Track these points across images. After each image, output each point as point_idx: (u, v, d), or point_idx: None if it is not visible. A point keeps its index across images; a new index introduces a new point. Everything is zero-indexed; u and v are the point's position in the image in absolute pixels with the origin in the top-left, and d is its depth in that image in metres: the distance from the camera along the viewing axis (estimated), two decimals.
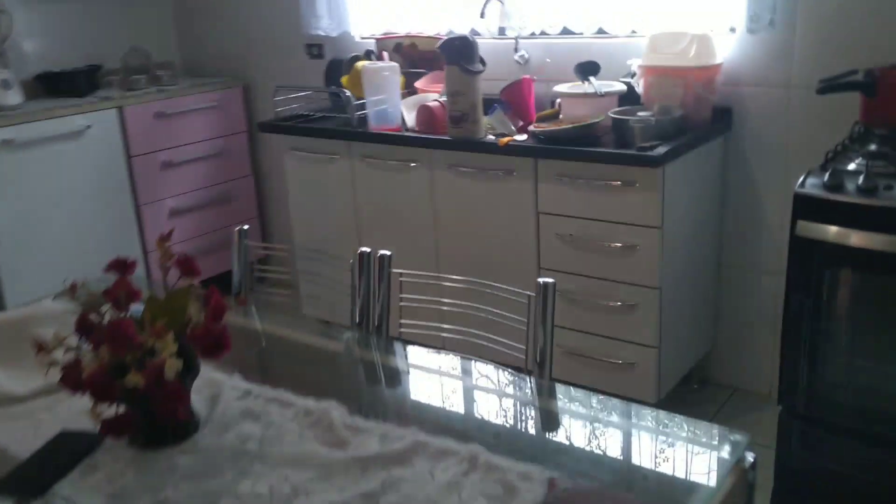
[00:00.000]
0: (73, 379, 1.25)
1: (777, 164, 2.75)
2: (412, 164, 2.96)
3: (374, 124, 3.06)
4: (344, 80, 3.30)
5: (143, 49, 3.99)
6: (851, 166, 2.17)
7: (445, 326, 1.74)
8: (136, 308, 1.33)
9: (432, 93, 3.19)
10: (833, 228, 2.08)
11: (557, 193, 2.63)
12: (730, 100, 2.75)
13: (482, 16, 3.07)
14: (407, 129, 3.02)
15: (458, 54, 2.73)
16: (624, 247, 2.55)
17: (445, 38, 2.82)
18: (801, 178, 2.14)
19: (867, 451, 2.17)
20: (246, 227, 2.03)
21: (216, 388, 1.50)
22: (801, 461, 2.27)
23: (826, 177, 2.10)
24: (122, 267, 1.31)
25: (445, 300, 1.72)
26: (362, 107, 3.12)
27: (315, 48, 3.82)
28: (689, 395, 2.96)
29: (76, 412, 1.36)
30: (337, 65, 3.42)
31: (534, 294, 1.58)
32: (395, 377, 1.63)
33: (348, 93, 3.14)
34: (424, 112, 2.98)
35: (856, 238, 2.05)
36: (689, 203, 2.66)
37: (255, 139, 4.16)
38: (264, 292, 2.04)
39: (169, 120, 3.75)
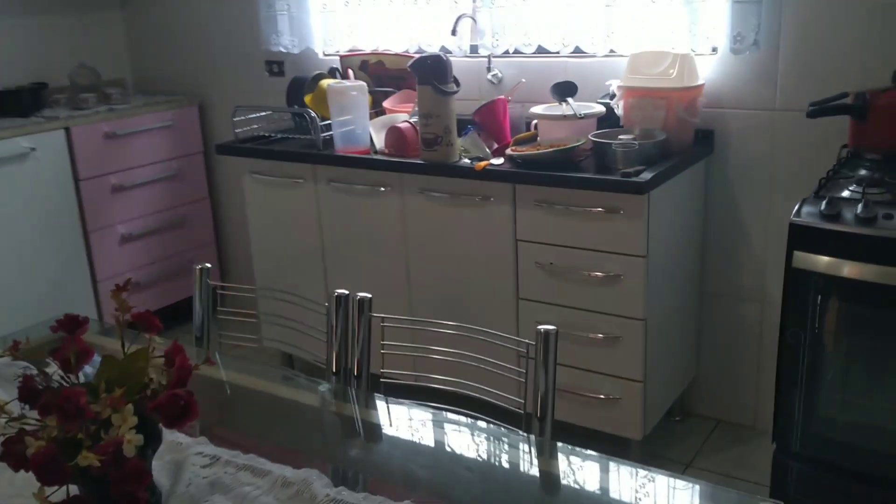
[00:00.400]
0: (15, 455, 1.07)
1: (760, 189, 2.66)
2: (381, 189, 2.81)
3: (341, 146, 2.91)
4: (307, 98, 3.15)
5: (92, 66, 3.78)
6: (846, 193, 2.09)
7: (434, 376, 1.59)
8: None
9: (402, 113, 3.05)
10: (831, 260, 1.99)
11: (537, 220, 2.51)
12: (712, 122, 2.67)
13: (454, 33, 2.95)
14: (376, 152, 2.88)
15: (430, 74, 2.60)
16: (607, 276, 2.43)
17: (417, 56, 2.68)
18: (797, 207, 2.05)
19: (864, 492, 2.07)
20: (208, 265, 1.85)
21: (179, 453, 1.33)
22: (797, 503, 2.17)
23: (823, 205, 2.01)
24: (72, 326, 1.14)
25: (433, 347, 1.57)
26: (328, 128, 2.96)
27: (275, 65, 3.66)
28: (672, 428, 2.85)
29: (18, 488, 1.18)
30: (299, 83, 3.26)
31: (533, 342, 1.44)
32: (381, 436, 1.48)
33: (313, 113, 2.99)
34: (394, 134, 2.83)
35: (855, 270, 1.96)
36: (673, 230, 2.56)
37: (212, 160, 3.97)
38: (227, 335, 1.86)
39: (120, 141, 3.54)
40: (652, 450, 2.68)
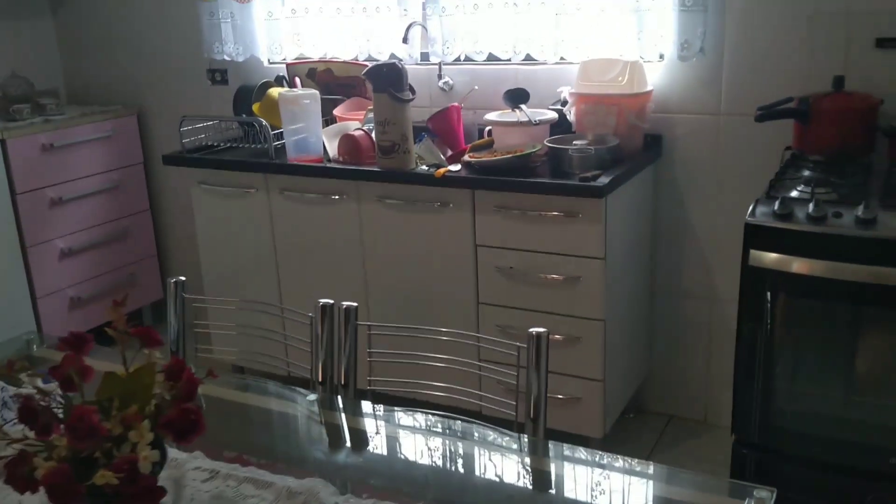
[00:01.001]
0: (20, 477, 1.05)
1: (707, 191, 2.76)
2: (336, 197, 2.80)
3: (294, 155, 2.89)
4: (255, 107, 3.11)
5: (24, 76, 3.65)
6: (795, 193, 2.19)
7: (422, 382, 1.60)
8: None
9: (352, 121, 3.05)
10: (785, 257, 2.08)
11: (496, 225, 2.55)
12: (660, 127, 2.75)
13: (405, 41, 2.96)
14: (329, 160, 2.87)
15: (386, 82, 2.61)
16: (566, 279, 2.48)
17: (370, 64, 2.69)
18: (751, 207, 2.14)
19: (822, 479, 2.17)
20: (183, 278, 1.82)
21: (176, 469, 1.31)
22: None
23: (776, 205, 2.09)
24: (78, 343, 1.11)
25: (421, 353, 1.59)
26: (279, 136, 2.94)
27: (218, 73, 3.61)
28: (627, 425, 2.93)
29: None
30: (246, 92, 3.22)
31: (524, 345, 1.47)
32: (375, 443, 1.48)
33: (265, 122, 2.96)
34: (348, 141, 2.83)
35: (808, 266, 2.06)
36: (627, 232, 2.63)
37: (153, 171, 3.88)
38: (204, 349, 1.83)
39: (57, 153, 3.43)
40: (610, 447, 2.73)
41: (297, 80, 3.26)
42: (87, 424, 1.01)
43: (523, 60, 2.87)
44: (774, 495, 1.18)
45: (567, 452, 1.38)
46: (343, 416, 1.55)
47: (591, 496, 1.27)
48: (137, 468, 1.02)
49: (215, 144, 3.15)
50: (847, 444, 2.15)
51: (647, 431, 2.90)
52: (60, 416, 1.11)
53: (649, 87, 2.68)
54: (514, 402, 1.50)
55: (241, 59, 3.39)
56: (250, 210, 2.99)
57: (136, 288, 3.78)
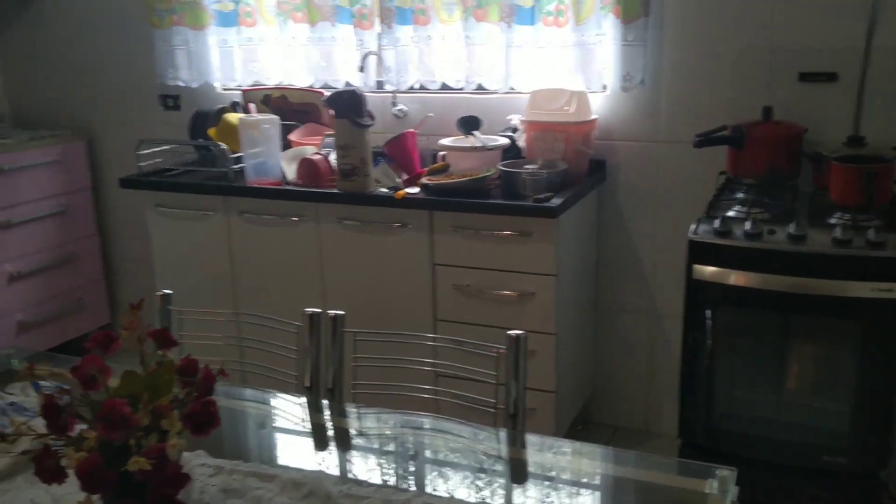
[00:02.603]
0: (47, 469, 1.11)
1: (647, 212, 2.95)
2: (295, 219, 2.88)
3: (253, 178, 2.96)
4: (211, 132, 3.18)
5: None
6: (733, 213, 2.38)
7: (405, 385, 1.70)
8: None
9: (308, 145, 3.15)
10: (726, 270, 2.26)
11: (453, 245, 2.67)
12: (604, 153, 2.93)
13: (361, 69, 3.08)
14: (287, 183, 2.95)
15: (347, 108, 2.72)
16: (520, 295, 2.62)
17: (333, 91, 2.80)
18: (694, 226, 2.32)
19: (761, 478, 2.34)
20: (169, 291, 1.88)
21: (183, 466, 1.37)
22: None
23: (717, 224, 2.28)
24: (106, 342, 1.18)
25: (404, 358, 1.69)
26: (237, 160, 3.01)
27: (171, 100, 3.66)
28: (576, 437, 3.06)
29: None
30: (202, 117, 3.28)
31: (504, 347, 1.59)
32: (368, 441, 1.57)
33: (223, 145, 3.03)
34: (307, 165, 2.93)
35: (745, 278, 2.24)
36: (575, 251, 2.79)
37: (102, 196, 3.88)
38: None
39: (4, 177, 3.42)
40: None
41: (252, 106, 3.34)
42: (119, 415, 1.08)
43: (475, 90, 3.02)
44: (736, 474, 1.32)
45: (551, 443, 1.49)
46: (333, 418, 1.64)
47: (569, 483, 1.39)
48: (166, 455, 1.10)
49: (171, 168, 3.19)
50: (783, 443, 2.33)
51: (594, 442, 3.03)
52: (79, 413, 1.18)
53: (594, 116, 2.86)
54: (493, 400, 1.61)
55: (195, 84, 3.45)
56: (208, 232, 3.04)
57: (84, 312, 3.76)
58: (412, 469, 1.46)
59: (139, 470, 1.07)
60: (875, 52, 2.52)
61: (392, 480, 1.39)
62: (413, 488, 1.31)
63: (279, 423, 1.67)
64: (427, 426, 1.58)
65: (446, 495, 1.30)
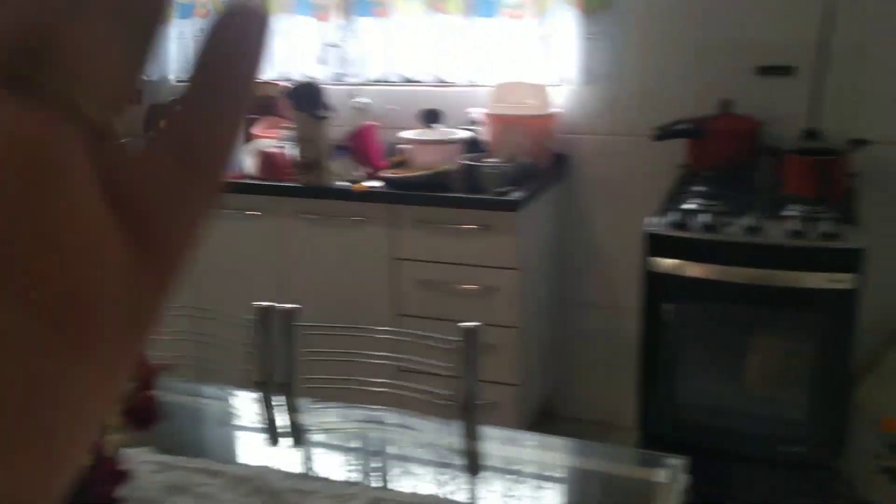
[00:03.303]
0: None
1: (609, 206, 2.95)
2: (253, 213, 2.85)
3: None
4: None
5: None
6: (690, 206, 2.39)
7: (359, 379, 1.68)
8: None
9: (267, 138, 3.11)
10: (682, 262, 2.27)
11: (414, 239, 2.65)
12: (566, 146, 2.93)
13: (321, 62, 3.05)
14: (245, 177, 2.92)
15: (306, 100, 2.70)
16: (484, 289, 2.61)
17: (292, 83, 2.77)
18: (651, 219, 2.32)
19: (718, 467, 2.35)
20: None
21: (126, 462, 1.34)
22: None
23: (673, 216, 2.29)
24: None
25: (357, 352, 1.67)
26: None
27: None
28: (539, 430, 3.06)
29: None
30: (158, 110, 3.24)
31: (459, 339, 1.57)
32: (317, 436, 1.55)
33: None
34: (266, 158, 2.89)
35: (703, 270, 2.25)
36: (538, 245, 2.79)
37: None
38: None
39: None
40: None
41: None
42: None
43: (435, 82, 3.01)
44: (686, 463, 1.32)
45: (504, 435, 1.48)
46: (284, 413, 1.62)
47: (521, 475, 1.39)
48: (103, 452, 1.07)
49: None
50: (741, 434, 2.35)
51: (557, 435, 3.04)
52: None
53: (556, 110, 2.86)
54: (448, 395, 1.60)
55: (153, 77, 3.39)
56: None
57: None
58: (362, 463, 1.44)
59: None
60: (831, 46, 2.54)
61: (341, 475, 1.38)
62: (362, 483, 1.29)
63: (229, 418, 1.64)
64: (380, 420, 1.56)
65: (397, 489, 1.29)
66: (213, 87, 0.25)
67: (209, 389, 1.69)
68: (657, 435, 2.41)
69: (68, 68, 0.21)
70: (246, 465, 1.32)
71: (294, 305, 1.64)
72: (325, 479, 1.29)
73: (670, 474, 1.29)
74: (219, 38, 0.24)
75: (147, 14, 0.23)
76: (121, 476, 1.11)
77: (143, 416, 1.15)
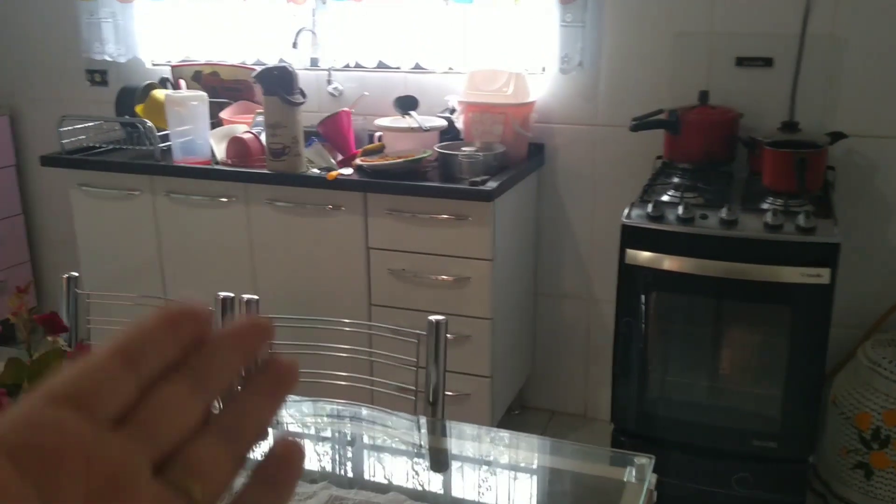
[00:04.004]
0: None
1: (585, 197, 2.92)
2: (224, 200, 2.79)
3: (180, 157, 2.86)
4: (138, 109, 3.06)
5: None
6: (666, 198, 2.36)
7: (323, 372, 1.64)
8: None
9: (240, 124, 3.05)
10: (657, 255, 2.24)
11: (388, 228, 2.61)
12: (542, 136, 2.89)
13: (294, 46, 2.99)
14: (217, 163, 2.86)
15: (277, 85, 2.63)
16: (456, 279, 2.57)
17: (260, 67, 2.70)
18: (627, 210, 2.29)
19: (693, 462, 2.34)
20: (75, 273, 1.79)
21: None
22: None
23: (649, 208, 2.26)
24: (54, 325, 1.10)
25: (324, 344, 1.63)
26: (165, 138, 2.90)
27: (98, 74, 3.51)
28: (512, 421, 3.04)
29: None
30: (129, 93, 3.16)
31: (424, 333, 1.54)
32: (280, 430, 1.51)
33: (150, 123, 2.91)
34: (237, 144, 2.83)
35: (678, 263, 2.22)
36: (513, 236, 2.75)
37: (26, 174, 3.73)
38: (96, 345, 1.80)
39: None
40: None
41: (182, 82, 3.23)
42: None
43: (412, 69, 2.96)
44: (653, 462, 1.29)
45: (467, 431, 1.45)
46: None
47: (489, 471, 1.35)
48: None
49: (96, 146, 3.07)
50: (715, 428, 2.33)
51: (530, 427, 3.02)
52: None
53: (533, 98, 2.82)
54: (414, 388, 1.56)
55: (122, 59, 3.32)
56: (134, 213, 2.93)
57: (8, 294, 3.60)
58: (326, 460, 1.40)
59: None
60: (810, 39, 2.52)
61: (304, 471, 1.34)
62: (324, 481, 1.25)
63: None
64: (345, 414, 1.53)
65: (358, 488, 1.25)
66: None
67: None
68: (630, 428, 2.39)
69: (193, 469, 0.31)
70: None
71: (254, 296, 1.60)
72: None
73: (638, 473, 1.26)
74: (267, 472, 0.34)
75: (252, 440, 0.33)
76: None
77: None
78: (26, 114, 3.69)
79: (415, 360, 1.60)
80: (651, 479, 1.24)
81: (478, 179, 2.50)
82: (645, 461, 1.30)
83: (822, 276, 2.08)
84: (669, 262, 2.23)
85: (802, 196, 2.24)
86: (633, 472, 1.27)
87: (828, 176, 2.44)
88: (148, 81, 3.18)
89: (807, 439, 2.25)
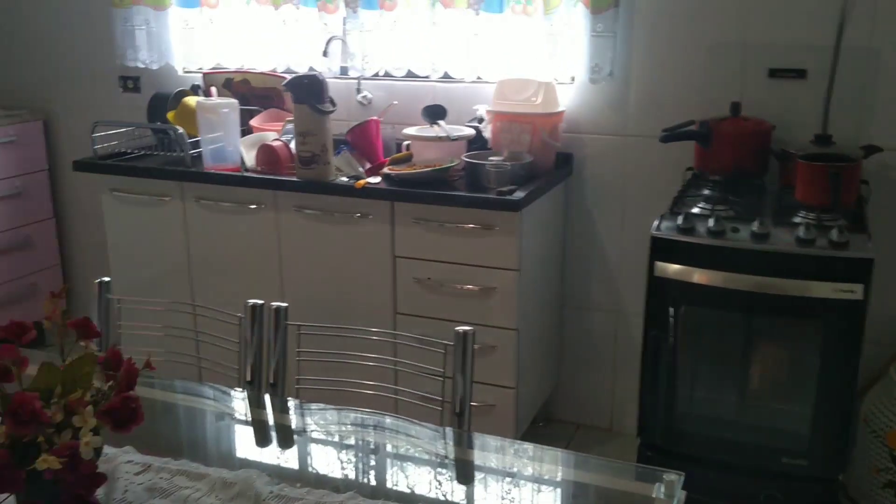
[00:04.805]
0: None
1: (613, 208, 2.90)
2: (253, 207, 2.81)
3: (211, 164, 2.88)
4: (170, 115, 3.09)
5: None
6: (697, 210, 2.34)
7: (350, 381, 1.64)
8: None
9: (270, 131, 3.07)
10: (687, 268, 2.22)
11: (415, 237, 2.61)
12: (571, 146, 2.88)
13: (325, 54, 3.01)
14: (246, 170, 2.87)
15: (307, 93, 2.64)
16: (482, 289, 2.56)
17: (290, 76, 2.72)
18: (656, 222, 2.27)
19: (721, 479, 2.30)
20: (107, 279, 1.81)
21: (107, 463, 1.31)
22: None
23: (680, 220, 2.24)
24: (19, 332, 1.11)
25: (350, 353, 1.63)
26: (195, 145, 2.93)
27: (130, 81, 3.56)
28: (537, 433, 3.02)
29: None
30: (161, 100, 3.20)
31: (451, 343, 1.53)
32: (307, 438, 1.51)
33: (181, 129, 2.94)
34: (267, 151, 2.85)
35: (708, 276, 2.20)
36: (540, 246, 2.74)
37: (58, 179, 3.78)
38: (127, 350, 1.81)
39: None
40: None
41: (213, 89, 3.25)
42: (29, 410, 1.01)
43: (441, 78, 2.96)
44: (683, 478, 1.28)
45: (491, 443, 1.44)
46: (273, 413, 1.58)
47: (512, 484, 1.34)
48: (79, 454, 1.03)
49: (128, 152, 3.11)
50: (743, 445, 2.30)
51: (556, 439, 3.00)
52: None
53: (561, 108, 2.81)
54: (440, 398, 1.56)
55: (155, 66, 3.36)
56: (164, 218, 2.95)
57: (39, 297, 3.65)
58: (351, 468, 1.40)
59: (48, 469, 1.00)
60: (845, 51, 2.49)
61: (329, 480, 1.34)
62: (349, 490, 1.25)
63: (217, 418, 1.60)
64: (370, 423, 1.52)
65: (383, 497, 1.25)
66: None
67: (198, 387, 1.65)
68: (657, 443, 2.36)
69: None
70: (229, 469, 1.28)
71: (283, 304, 1.60)
72: (311, 485, 1.25)
73: (667, 489, 1.24)
74: None
75: None
76: (97, 478, 1.07)
77: (121, 417, 1.11)
78: (60, 119, 3.75)
79: (441, 370, 1.60)
80: (680, 496, 1.22)
81: (505, 189, 2.49)
82: (674, 477, 1.28)
83: (854, 291, 2.05)
84: (699, 276, 2.21)
85: (835, 210, 2.21)
86: (662, 489, 1.25)
87: (861, 190, 2.41)
88: (180, 88, 3.21)
89: (837, 457, 2.21)
